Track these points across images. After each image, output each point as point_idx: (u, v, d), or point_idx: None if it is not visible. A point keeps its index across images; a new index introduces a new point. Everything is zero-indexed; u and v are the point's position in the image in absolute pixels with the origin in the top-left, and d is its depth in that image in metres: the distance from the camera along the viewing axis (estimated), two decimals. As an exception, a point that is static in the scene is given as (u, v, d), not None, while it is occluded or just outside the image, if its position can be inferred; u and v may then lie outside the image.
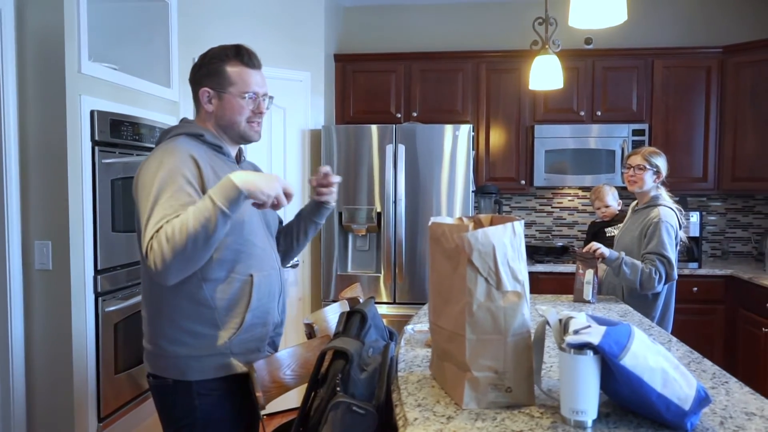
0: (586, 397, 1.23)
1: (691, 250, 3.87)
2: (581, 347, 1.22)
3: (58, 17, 2.42)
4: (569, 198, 4.55)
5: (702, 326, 3.82)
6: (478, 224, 1.49)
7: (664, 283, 2.65)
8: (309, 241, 2.02)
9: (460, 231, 1.33)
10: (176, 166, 1.54)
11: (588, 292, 2.60)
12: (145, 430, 2.90)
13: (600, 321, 1.34)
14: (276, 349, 1.80)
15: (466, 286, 1.31)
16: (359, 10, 4.65)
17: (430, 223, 1.48)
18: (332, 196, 1.90)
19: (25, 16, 2.43)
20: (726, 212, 4.43)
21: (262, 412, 1.65)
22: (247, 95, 1.69)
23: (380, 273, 3.85)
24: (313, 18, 3.92)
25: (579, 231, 4.51)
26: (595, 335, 1.23)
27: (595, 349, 1.21)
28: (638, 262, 2.61)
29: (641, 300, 2.70)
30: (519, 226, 1.37)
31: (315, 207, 1.94)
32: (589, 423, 1.24)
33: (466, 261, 1.31)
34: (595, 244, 2.63)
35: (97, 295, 2.58)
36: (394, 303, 3.84)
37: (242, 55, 1.70)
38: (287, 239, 1.97)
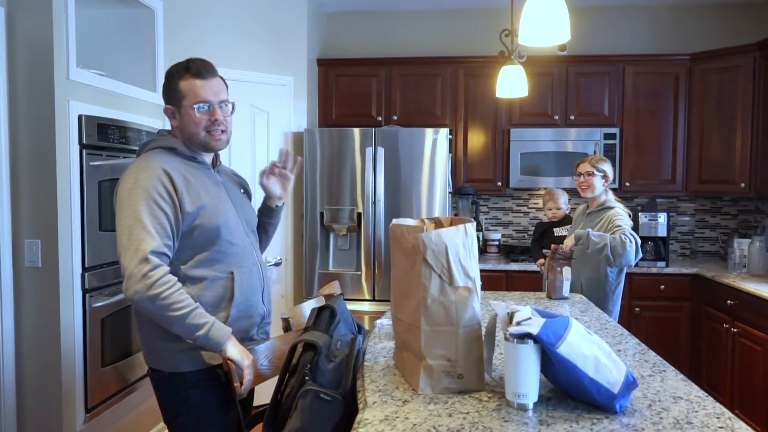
0: (527, 381, 1.37)
1: (658, 249, 4.04)
2: (522, 337, 1.36)
3: (47, 26, 2.52)
4: (545, 199, 4.70)
5: (669, 322, 3.99)
6: (438, 225, 1.62)
7: (635, 257, 2.74)
8: (271, 237, 2.18)
9: (417, 232, 1.46)
10: (150, 185, 1.67)
11: (566, 288, 2.77)
12: (131, 420, 3.02)
13: (543, 314, 1.48)
14: (268, 337, 1.96)
15: (422, 282, 1.44)
16: (342, 16, 4.78)
17: (391, 225, 1.61)
18: (288, 184, 2.07)
19: (15, 25, 2.53)
20: (695, 213, 4.60)
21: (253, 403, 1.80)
22: (197, 107, 1.76)
23: (360, 271, 3.98)
24: (296, 24, 4.03)
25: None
26: (534, 326, 1.37)
27: (535, 339, 1.35)
28: (606, 234, 2.78)
29: (597, 294, 2.94)
30: (471, 227, 1.50)
31: (266, 209, 2.10)
32: (530, 405, 1.38)
33: (421, 259, 1.44)
34: (569, 241, 2.82)
35: (84, 291, 2.69)
36: (373, 300, 3.97)
37: (191, 68, 1.76)
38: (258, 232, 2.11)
